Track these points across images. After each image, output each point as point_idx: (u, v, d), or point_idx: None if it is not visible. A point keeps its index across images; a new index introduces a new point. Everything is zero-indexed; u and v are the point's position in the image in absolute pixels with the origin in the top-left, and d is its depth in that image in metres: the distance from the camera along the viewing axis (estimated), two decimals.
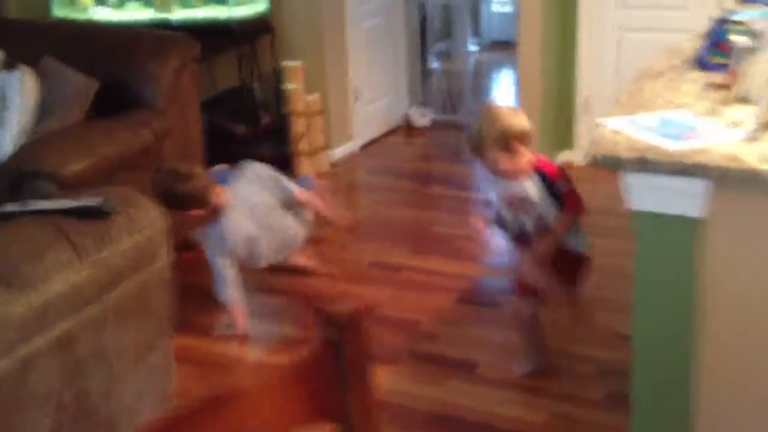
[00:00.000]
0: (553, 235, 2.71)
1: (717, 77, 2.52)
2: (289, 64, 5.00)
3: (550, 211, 2.70)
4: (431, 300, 3.52)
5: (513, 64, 8.55)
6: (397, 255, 3.96)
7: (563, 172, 2.74)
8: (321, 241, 4.07)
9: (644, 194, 1.89)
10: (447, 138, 6.01)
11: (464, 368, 3.03)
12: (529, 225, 2.74)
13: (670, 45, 4.66)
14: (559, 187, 2.68)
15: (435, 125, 6.12)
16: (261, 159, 5.06)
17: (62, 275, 1.56)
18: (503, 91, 7.93)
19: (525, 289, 2.84)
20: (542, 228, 2.72)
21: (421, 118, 6.06)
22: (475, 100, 7.06)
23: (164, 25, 4.84)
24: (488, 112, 2.69)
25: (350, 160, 5.41)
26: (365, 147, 5.64)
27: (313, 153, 5.10)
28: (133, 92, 3.71)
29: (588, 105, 5.01)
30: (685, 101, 2.29)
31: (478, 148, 2.65)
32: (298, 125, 5.00)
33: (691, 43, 3.00)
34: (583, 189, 4.74)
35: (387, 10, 5.78)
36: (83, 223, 1.68)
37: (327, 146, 5.21)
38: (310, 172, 3.75)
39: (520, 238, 2.79)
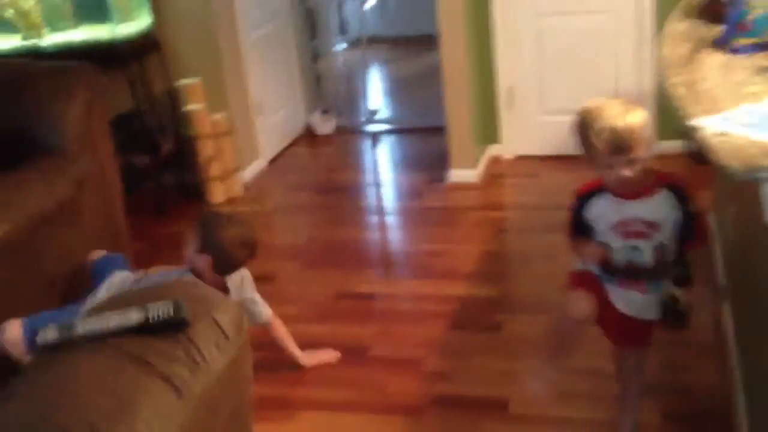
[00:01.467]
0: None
1: (761, 59, 2.31)
2: (185, 82, 4.44)
3: (672, 239, 2.13)
4: (423, 331, 3.13)
5: (384, 59, 8.27)
6: (364, 282, 3.54)
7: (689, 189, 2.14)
8: (273, 278, 3.59)
9: None
10: (353, 144, 5.62)
11: (494, 407, 2.66)
12: (647, 257, 2.11)
13: (593, 28, 4.51)
14: (693, 208, 2.11)
15: (337, 131, 5.72)
16: (167, 190, 4.55)
17: (166, 425, 1.07)
18: (381, 87, 7.61)
19: (623, 339, 2.35)
20: (661, 261, 2.12)
21: (325, 124, 5.63)
22: (367, 101, 6.70)
23: (37, 54, 4.19)
24: (601, 113, 2.02)
25: (262, 179, 4.92)
26: (273, 162, 5.16)
27: (224, 177, 4.58)
28: (37, 137, 3.08)
29: (511, 96, 4.75)
30: (756, 90, 2.03)
31: (592, 159, 2.04)
32: (206, 149, 4.47)
33: (684, 25, 2.77)
34: (525, 183, 4.55)
35: (275, 16, 5.31)
36: (162, 342, 1.19)
37: (238, 168, 4.69)
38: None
39: (628, 276, 2.17)
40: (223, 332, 1.25)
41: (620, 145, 1.98)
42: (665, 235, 2.10)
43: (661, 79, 2.36)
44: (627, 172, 2.01)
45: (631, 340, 2.31)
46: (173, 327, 1.21)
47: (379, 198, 4.57)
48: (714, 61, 2.38)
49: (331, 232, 4.12)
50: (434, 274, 3.56)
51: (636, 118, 2.00)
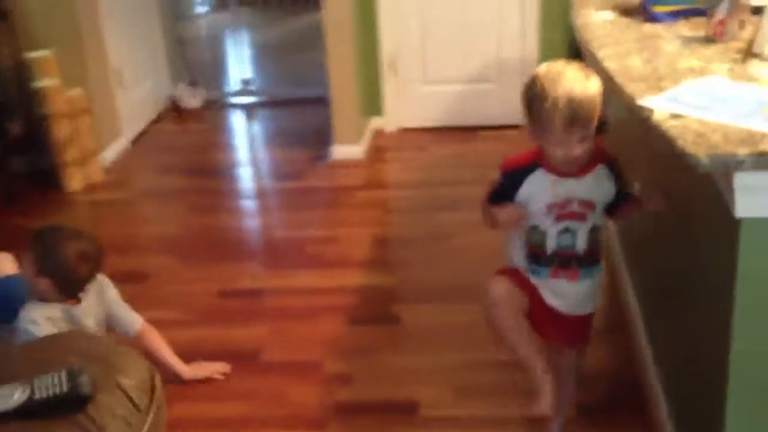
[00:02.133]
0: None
1: (683, 28, 2.21)
2: (36, 55, 3.99)
3: (601, 221, 1.96)
4: (318, 328, 2.89)
5: (253, 23, 7.88)
6: (248, 276, 3.26)
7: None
8: (145, 277, 3.26)
9: (761, 197, 1.45)
10: (224, 119, 5.29)
11: (404, 411, 2.46)
12: (581, 241, 1.91)
13: None
14: (625, 181, 1.95)
15: (206, 104, 5.35)
16: (17, 177, 4.09)
17: None
18: (251, 54, 7.24)
19: (560, 337, 2.11)
20: (594, 244, 1.94)
21: (192, 97, 5.25)
22: (237, 71, 6.34)
23: None
24: (556, 79, 1.74)
25: (125, 161, 4.53)
26: (136, 142, 4.76)
27: (83, 161, 4.16)
28: None
29: (395, 66, 4.54)
30: (692, 64, 1.88)
31: (542, 132, 1.78)
32: (61, 129, 4.04)
33: None
34: (412, 158, 4.35)
35: None
36: (55, 426, 0.91)
37: (98, 150, 4.28)
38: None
39: (560, 264, 1.95)
40: (132, 402, 0.98)
41: (577, 117, 1.73)
42: (597, 215, 1.91)
43: (588, 52, 2.19)
44: (579, 150, 1.77)
45: (569, 338, 2.10)
46: (70, 404, 0.93)
47: (257, 179, 4.28)
48: (637, 30, 2.25)
49: (206, 220, 3.80)
50: (324, 264, 3.31)
51: (594, 87, 1.75)
